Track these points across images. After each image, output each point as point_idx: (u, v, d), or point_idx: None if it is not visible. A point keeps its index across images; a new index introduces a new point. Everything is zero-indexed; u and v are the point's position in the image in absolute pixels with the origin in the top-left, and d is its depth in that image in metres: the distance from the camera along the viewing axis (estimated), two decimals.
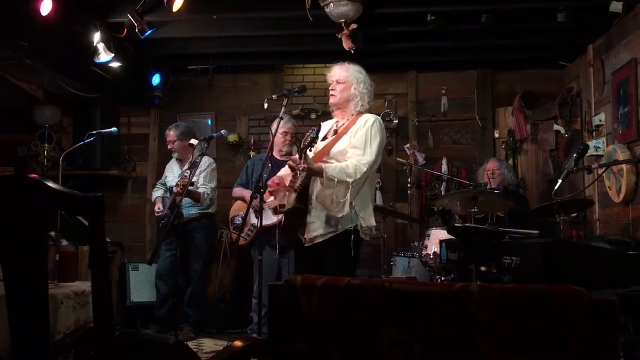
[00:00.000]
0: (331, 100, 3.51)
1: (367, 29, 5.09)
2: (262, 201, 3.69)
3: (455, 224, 4.84)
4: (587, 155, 4.58)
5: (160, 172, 6.07)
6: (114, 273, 5.90)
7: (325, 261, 3.27)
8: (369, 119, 3.37)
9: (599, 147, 4.99)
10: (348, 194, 3.21)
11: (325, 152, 3.34)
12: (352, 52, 4.76)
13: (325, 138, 3.48)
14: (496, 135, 6.42)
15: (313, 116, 6.32)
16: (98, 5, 4.89)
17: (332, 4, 4.53)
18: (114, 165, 6.50)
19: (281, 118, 3.75)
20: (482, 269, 3.50)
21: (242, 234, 4.91)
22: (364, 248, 3.55)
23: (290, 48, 5.85)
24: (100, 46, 4.90)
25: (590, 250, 3.16)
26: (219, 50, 5.98)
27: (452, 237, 4.09)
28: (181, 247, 5.25)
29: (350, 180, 3.19)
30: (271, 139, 3.91)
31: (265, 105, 3.98)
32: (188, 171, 4.83)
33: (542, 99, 6.15)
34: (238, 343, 1.72)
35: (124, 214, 6.62)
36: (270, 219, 4.14)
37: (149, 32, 4.77)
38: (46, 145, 6.19)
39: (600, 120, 5.18)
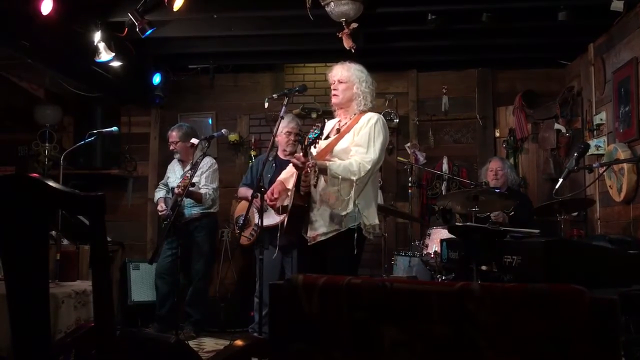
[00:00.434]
0: (333, 100, 3.50)
1: (368, 28, 5.09)
2: (263, 201, 3.69)
3: (456, 223, 4.84)
4: (588, 154, 4.59)
5: (161, 171, 6.08)
6: (114, 272, 5.91)
7: (328, 260, 3.26)
8: (372, 117, 3.38)
9: (599, 146, 4.98)
10: (352, 192, 3.21)
11: (328, 151, 3.34)
12: (353, 51, 4.76)
13: (328, 137, 3.47)
14: (497, 134, 6.42)
15: (314, 115, 6.31)
16: (99, 4, 4.89)
17: (332, 3, 4.53)
18: (114, 165, 6.50)
19: (282, 117, 3.74)
20: (483, 268, 3.50)
21: (246, 234, 4.92)
22: (365, 247, 3.54)
23: (291, 47, 5.85)
24: (101, 45, 4.90)
25: (591, 249, 3.16)
26: (220, 50, 5.98)
27: (453, 236, 4.09)
28: (182, 247, 5.26)
29: (354, 178, 3.19)
30: (272, 138, 3.90)
31: (266, 105, 3.98)
32: (190, 172, 4.83)
33: (543, 98, 6.15)
34: (239, 342, 1.72)
35: (125, 214, 6.62)
36: (273, 219, 4.14)
37: (150, 31, 4.77)
38: (47, 144, 6.19)
39: (601, 119, 5.18)
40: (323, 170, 3.21)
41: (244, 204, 5.14)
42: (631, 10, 4.60)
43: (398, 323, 1.24)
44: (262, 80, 6.72)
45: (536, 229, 3.91)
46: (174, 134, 5.50)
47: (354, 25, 4.72)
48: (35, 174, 1.75)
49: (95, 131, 4.97)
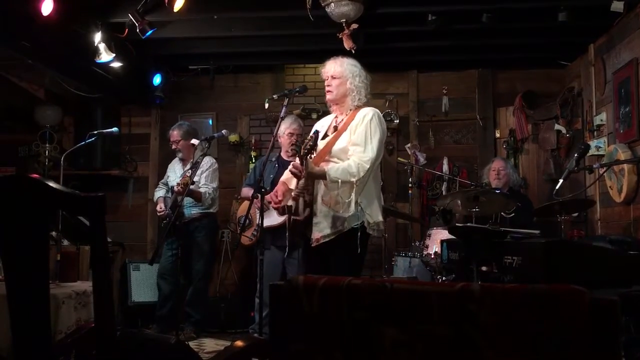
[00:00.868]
0: (328, 96, 3.45)
1: (368, 29, 5.09)
2: (263, 201, 3.68)
3: (457, 224, 4.84)
4: (588, 155, 4.59)
5: (161, 172, 6.08)
6: (115, 273, 5.91)
7: (332, 260, 3.25)
8: (367, 113, 3.32)
9: (600, 147, 4.98)
10: (353, 194, 3.19)
11: (327, 151, 3.32)
12: (353, 52, 4.75)
13: (325, 135, 3.45)
14: (497, 135, 6.42)
15: (314, 116, 6.31)
16: (99, 5, 4.90)
17: (333, 4, 4.53)
18: (115, 166, 6.51)
19: (282, 118, 3.74)
20: (483, 268, 3.50)
21: (248, 234, 4.92)
22: None
23: (291, 48, 5.85)
24: (102, 46, 4.90)
25: (592, 250, 3.16)
26: (220, 50, 5.98)
27: (453, 237, 4.09)
28: (183, 247, 5.26)
29: (354, 179, 3.17)
30: (272, 139, 3.90)
31: (266, 105, 3.98)
32: (190, 171, 4.83)
33: (543, 98, 6.15)
34: (239, 343, 1.72)
35: (125, 214, 6.63)
36: (275, 219, 4.14)
37: (150, 32, 4.77)
38: (47, 145, 6.20)
39: (601, 120, 5.18)
40: (322, 176, 3.18)
41: (246, 204, 5.14)
42: (631, 11, 4.60)
43: (398, 323, 1.24)
44: (263, 81, 6.72)
45: (536, 229, 3.92)
46: (175, 133, 5.51)
47: (354, 25, 4.72)
48: (35, 175, 1.75)
49: (95, 132, 4.97)
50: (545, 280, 2.81)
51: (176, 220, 4.88)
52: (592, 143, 4.97)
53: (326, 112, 5.62)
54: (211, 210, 5.51)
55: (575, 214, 5.35)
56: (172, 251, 5.34)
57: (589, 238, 5.08)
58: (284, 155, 4.89)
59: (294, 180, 3.42)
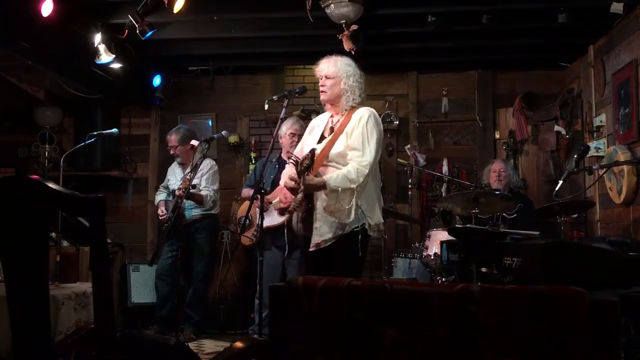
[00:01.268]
0: (322, 96, 3.42)
1: (368, 30, 5.09)
2: (263, 202, 3.68)
3: (456, 225, 4.84)
4: (587, 156, 4.59)
5: (161, 173, 6.08)
6: (114, 274, 5.90)
7: (332, 261, 3.23)
8: (363, 115, 3.29)
9: (599, 148, 4.98)
10: (353, 200, 3.17)
11: (324, 156, 3.28)
12: (353, 53, 4.76)
13: (322, 137, 3.43)
14: (497, 136, 6.42)
15: (314, 117, 6.30)
16: (99, 6, 4.90)
17: (332, 5, 4.53)
18: (114, 167, 6.50)
19: (282, 119, 3.73)
20: (483, 270, 3.50)
21: (249, 235, 4.92)
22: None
23: (291, 49, 5.85)
24: (101, 47, 4.90)
25: (591, 251, 3.16)
26: (220, 51, 5.98)
27: (453, 238, 4.09)
28: (183, 248, 5.26)
29: (354, 185, 3.15)
30: (272, 140, 3.89)
31: (266, 106, 3.98)
32: (190, 174, 4.83)
33: (542, 99, 6.16)
34: (239, 344, 1.72)
35: (125, 215, 6.62)
36: (276, 219, 4.14)
37: (150, 33, 4.77)
38: (47, 146, 6.19)
39: (601, 121, 5.18)
40: (322, 187, 3.16)
41: (246, 205, 5.14)
42: (631, 12, 4.61)
43: (398, 324, 1.24)
44: (262, 82, 6.72)
45: (536, 231, 3.92)
46: (172, 138, 5.50)
47: (354, 27, 4.72)
48: (35, 176, 1.75)
49: (95, 133, 4.97)
50: (545, 282, 2.82)
51: (177, 222, 4.88)
52: (592, 144, 4.97)
53: None
54: (212, 212, 5.51)
55: (575, 215, 5.35)
56: (171, 252, 5.34)
57: (588, 239, 5.08)
58: (284, 156, 4.89)
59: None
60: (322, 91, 3.40)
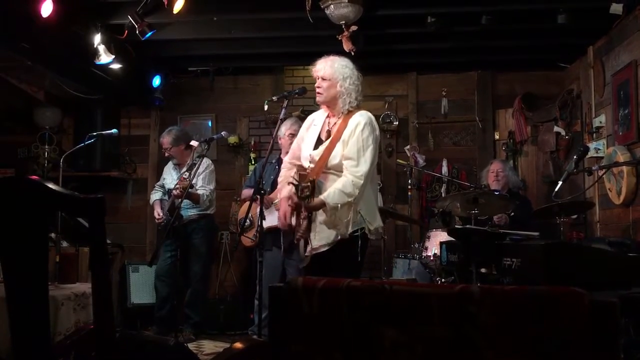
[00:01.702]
0: (318, 98, 3.37)
1: (368, 31, 5.10)
2: (263, 203, 3.68)
3: (456, 226, 4.84)
4: (587, 157, 4.59)
5: (161, 173, 6.07)
6: (114, 275, 5.90)
7: (332, 264, 3.23)
8: (359, 122, 3.24)
9: (599, 149, 4.99)
10: (351, 212, 3.16)
11: (323, 164, 3.25)
12: (353, 53, 4.76)
13: (319, 139, 3.40)
14: (496, 136, 6.42)
15: None
16: (99, 6, 4.90)
17: (332, 6, 4.53)
18: (114, 167, 6.50)
19: (282, 120, 3.73)
20: (483, 270, 3.50)
21: (250, 236, 4.92)
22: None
23: (290, 50, 5.85)
24: (101, 48, 4.90)
25: (591, 252, 3.15)
26: (220, 52, 5.98)
27: (453, 238, 4.09)
28: (181, 249, 5.26)
29: (351, 199, 3.13)
30: (272, 141, 3.90)
31: (266, 107, 3.98)
32: (187, 173, 4.82)
33: (542, 100, 6.16)
34: (238, 345, 1.72)
35: (125, 216, 6.62)
36: (277, 219, 4.14)
37: (150, 33, 4.77)
38: (47, 146, 6.20)
39: (600, 122, 5.18)
40: (321, 206, 3.14)
41: (247, 206, 5.15)
42: (630, 13, 4.61)
43: (398, 325, 1.24)
44: (262, 83, 6.72)
45: (535, 231, 3.92)
46: (165, 140, 5.49)
47: (354, 27, 4.72)
48: (34, 176, 1.75)
49: (95, 133, 4.97)
50: (545, 282, 2.82)
51: (174, 222, 4.88)
52: (591, 145, 4.97)
53: None
54: (209, 212, 5.51)
55: (575, 216, 5.35)
56: (170, 253, 5.34)
57: (588, 240, 5.09)
58: (283, 157, 4.89)
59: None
60: (318, 93, 3.35)
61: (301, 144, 3.49)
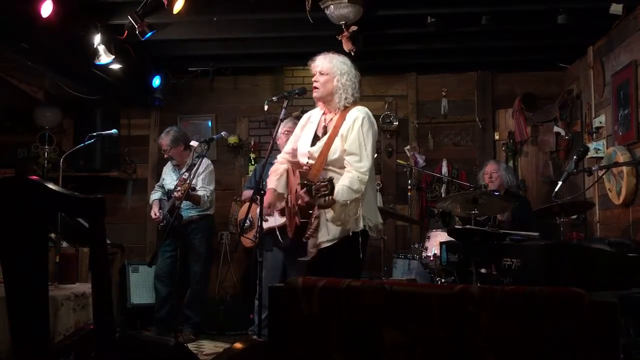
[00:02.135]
0: (314, 93, 3.39)
1: (368, 31, 5.10)
2: (262, 203, 3.68)
3: (456, 226, 4.84)
4: (587, 157, 4.59)
5: (160, 174, 6.08)
6: (114, 275, 5.90)
7: (333, 263, 3.23)
8: (357, 117, 3.26)
9: (599, 149, 4.99)
10: (359, 208, 3.18)
11: (323, 161, 3.27)
12: (353, 53, 4.76)
13: (316, 136, 3.41)
14: (496, 137, 6.42)
15: None
16: (99, 7, 4.90)
17: (332, 6, 4.53)
18: (114, 167, 6.50)
19: (282, 120, 3.73)
20: (483, 271, 3.50)
21: (250, 236, 4.92)
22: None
23: (290, 50, 5.85)
24: (101, 48, 4.90)
25: (591, 252, 3.16)
26: (220, 52, 5.98)
27: (453, 239, 4.09)
28: (181, 249, 5.26)
29: (358, 195, 3.15)
30: (271, 141, 3.89)
31: (266, 107, 3.97)
32: (186, 173, 4.82)
33: (542, 100, 6.16)
34: (238, 345, 1.72)
35: (125, 216, 6.62)
36: (277, 219, 4.14)
37: (150, 34, 4.77)
38: (46, 147, 6.20)
39: (600, 122, 5.18)
40: (332, 204, 3.10)
41: (247, 206, 5.15)
42: (630, 13, 4.61)
43: (398, 325, 1.24)
44: (262, 83, 6.72)
45: (535, 232, 3.92)
46: (163, 142, 5.48)
47: (354, 27, 4.72)
48: (34, 176, 1.75)
49: (94, 133, 4.97)
50: (545, 283, 2.82)
51: (174, 222, 4.88)
52: (591, 145, 4.97)
53: None
54: (208, 212, 5.50)
55: (575, 216, 5.35)
56: (169, 253, 5.33)
57: (588, 240, 5.08)
58: None
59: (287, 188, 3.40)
60: (315, 87, 3.38)
61: (297, 141, 3.50)
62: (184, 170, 5.36)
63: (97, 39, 4.89)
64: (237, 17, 5.11)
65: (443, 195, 6.06)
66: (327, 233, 3.22)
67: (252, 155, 6.47)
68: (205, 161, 5.40)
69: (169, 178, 5.55)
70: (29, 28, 4.38)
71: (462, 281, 4.03)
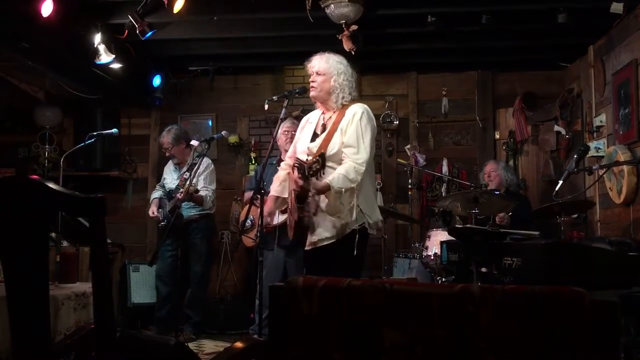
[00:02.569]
0: (311, 93, 3.40)
1: (368, 30, 5.10)
2: (263, 203, 3.68)
3: (456, 225, 4.84)
4: (587, 156, 4.59)
5: (161, 173, 6.08)
6: (114, 274, 5.90)
7: (333, 261, 3.23)
8: (356, 112, 3.28)
9: (599, 148, 4.98)
10: (354, 199, 3.18)
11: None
12: (353, 53, 4.76)
13: (315, 134, 3.42)
14: (497, 136, 6.42)
15: None
16: (99, 6, 4.90)
17: (332, 5, 4.53)
18: (114, 167, 6.50)
19: (282, 119, 3.73)
20: (483, 270, 3.50)
21: (251, 236, 4.93)
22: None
23: (290, 49, 5.84)
24: (101, 47, 4.90)
25: (591, 251, 3.15)
26: (220, 52, 5.98)
27: (453, 238, 4.09)
28: (181, 249, 5.25)
29: (354, 185, 3.16)
30: (272, 140, 3.90)
31: (266, 107, 3.97)
32: (187, 173, 4.81)
33: (542, 100, 6.16)
34: (239, 344, 1.72)
35: (125, 215, 6.62)
36: (279, 218, 4.14)
37: (150, 33, 4.77)
38: (47, 146, 6.20)
39: (601, 121, 5.18)
40: (326, 190, 3.14)
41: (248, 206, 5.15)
42: (631, 13, 4.61)
43: (398, 325, 1.24)
44: (262, 82, 6.72)
45: (536, 231, 3.92)
46: (164, 140, 5.47)
47: (354, 27, 4.72)
48: (35, 176, 1.75)
49: (95, 133, 4.97)
50: (545, 282, 2.82)
51: (176, 221, 4.88)
52: (592, 144, 4.96)
53: None
54: (209, 212, 5.50)
55: (575, 215, 5.35)
56: (170, 252, 5.33)
57: (588, 239, 5.08)
58: (284, 157, 4.90)
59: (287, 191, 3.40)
60: (312, 87, 3.40)
61: (297, 143, 3.51)
62: (184, 169, 5.36)
63: (97, 38, 4.89)
64: (238, 16, 5.11)
65: (443, 194, 6.06)
66: (324, 230, 3.23)
67: (253, 155, 6.47)
68: (206, 160, 5.40)
69: (170, 177, 5.55)
70: (29, 27, 4.38)
71: (462, 280, 4.03)
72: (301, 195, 3.22)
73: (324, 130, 3.37)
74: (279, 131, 4.81)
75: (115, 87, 5.76)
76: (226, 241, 6.34)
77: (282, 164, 3.71)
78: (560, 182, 3.67)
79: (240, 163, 6.61)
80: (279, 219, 4.18)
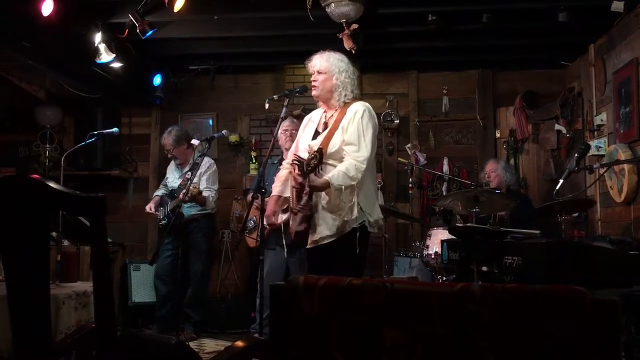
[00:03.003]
0: (313, 92, 3.40)
1: (368, 29, 5.09)
2: (263, 203, 3.68)
3: (457, 224, 4.84)
4: (588, 155, 4.58)
5: (162, 172, 6.09)
6: (115, 273, 5.90)
7: (334, 260, 3.23)
8: (358, 109, 3.28)
9: (600, 147, 4.98)
10: (354, 197, 3.18)
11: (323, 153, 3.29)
12: (353, 52, 4.76)
13: (317, 132, 3.42)
14: (497, 135, 6.42)
15: None
16: (99, 5, 4.90)
17: (333, 4, 4.53)
18: (115, 166, 6.51)
19: (282, 119, 3.73)
20: (484, 269, 3.49)
21: (254, 236, 4.93)
22: None
23: (291, 48, 5.84)
24: (102, 47, 4.91)
25: (592, 250, 3.15)
26: (220, 51, 5.99)
27: (454, 237, 4.09)
28: (182, 248, 5.25)
29: (354, 182, 3.16)
30: (272, 140, 3.90)
31: (267, 106, 3.97)
32: (189, 173, 4.81)
33: (543, 98, 6.16)
34: (239, 343, 1.72)
35: (126, 215, 6.62)
36: (279, 217, 4.14)
37: (150, 32, 4.77)
38: (47, 145, 6.20)
39: (601, 120, 5.18)
40: (326, 186, 3.15)
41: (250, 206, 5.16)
42: (631, 11, 4.60)
43: (399, 324, 1.24)
44: (263, 81, 6.72)
45: (537, 230, 3.92)
46: (166, 142, 5.48)
47: (355, 26, 4.72)
48: (35, 175, 1.75)
49: (95, 132, 4.97)
50: (546, 281, 2.81)
51: (176, 220, 4.88)
52: (593, 143, 4.96)
53: None
54: (210, 211, 5.50)
55: (576, 214, 5.35)
56: (171, 251, 5.33)
57: (589, 238, 5.08)
58: (286, 157, 4.90)
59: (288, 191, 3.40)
60: (314, 86, 3.39)
61: (299, 141, 3.51)
62: (187, 169, 5.36)
63: (97, 37, 4.89)
64: (238, 15, 5.11)
65: (444, 193, 6.06)
66: (325, 228, 3.23)
67: (253, 154, 6.48)
68: (208, 160, 5.40)
69: (172, 176, 5.56)
70: (30, 27, 4.38)
71: (463, 279, 4.03)
72: (299, 192, 3.22)
73: (325, 128, 3.38)
74: (280, 130, 4.81)
75: (116, 86, 5.76)
76: (227, 240, 6.35)
77: (283, 162, 3.71)
78: (561, 181, 3.67)
79: (240, 162, 6.61)
80: (280, 217, 4.19)
